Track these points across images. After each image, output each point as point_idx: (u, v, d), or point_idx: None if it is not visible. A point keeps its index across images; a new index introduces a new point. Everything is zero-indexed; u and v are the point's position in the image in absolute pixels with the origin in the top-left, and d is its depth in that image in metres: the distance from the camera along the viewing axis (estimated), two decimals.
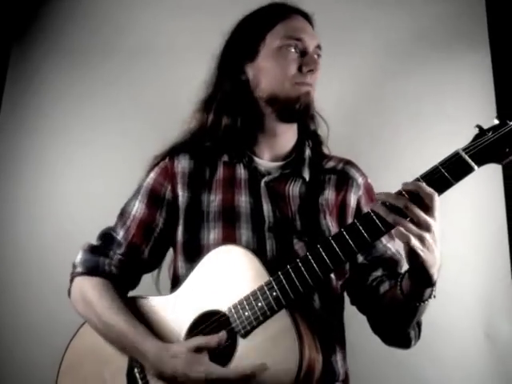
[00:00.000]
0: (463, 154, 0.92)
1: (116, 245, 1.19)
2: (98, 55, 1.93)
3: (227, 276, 1.05)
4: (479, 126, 0.98)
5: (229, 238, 1.12)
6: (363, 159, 1.32)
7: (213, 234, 1.14)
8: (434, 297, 0.99)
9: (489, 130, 0.95)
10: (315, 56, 1.19)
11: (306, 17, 1.24)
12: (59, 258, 1.55)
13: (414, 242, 0.88)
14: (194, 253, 1.14)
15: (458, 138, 0.97)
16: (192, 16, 1.93)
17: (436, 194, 0.89)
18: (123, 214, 1.23)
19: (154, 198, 1.20)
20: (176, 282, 1.17)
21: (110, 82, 1.88)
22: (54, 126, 1.93)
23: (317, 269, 0.97)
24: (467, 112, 1.63)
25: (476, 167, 0.91)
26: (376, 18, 1.84)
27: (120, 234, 1.20)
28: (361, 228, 0.94)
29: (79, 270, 1.17)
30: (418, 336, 1.13)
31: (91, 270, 1.16)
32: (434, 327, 1.53)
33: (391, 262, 1.19)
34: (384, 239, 1.19)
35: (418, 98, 1.51)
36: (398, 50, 1.81)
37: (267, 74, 1.19)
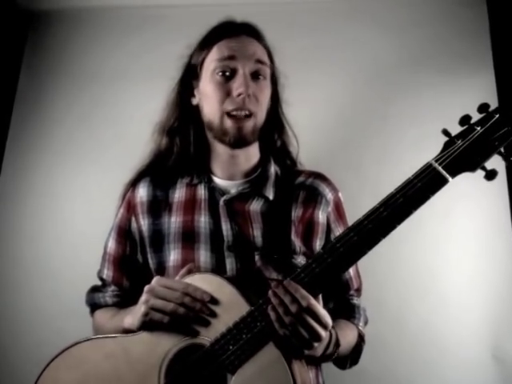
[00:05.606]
0: (436, 165, 0.91)
1: (107, 283, 1.25)
2: (104, 79, 1.95)
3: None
4: (446, 132, 0.97)
5: (187, 259, 1.11)
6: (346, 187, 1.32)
7: (173, 255, 1.15)
8: (339, 346, 1.05)
9: (457, 136, 0.95)
10: (246, 76, 1.13)
11: (251, 33, 1.19)
12: (66, 277, 1.71)
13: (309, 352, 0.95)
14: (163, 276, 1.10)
15: None
16: None
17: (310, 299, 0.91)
18: (104, 252, 1.28)
19: (123, 233, 1.24)
20: None
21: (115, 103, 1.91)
22: (62, 145, 1.92)
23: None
24: None
25: (450, 178, 0.90)
26: (371, 41, 1.82)
27: (105, 273, 1.25)
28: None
29: (88, 309, 1.28)
30: (355, 362, 1.19)
31: (92, 307, 1.27)
32: (440, 349, 1.59)
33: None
34: None
35: (420, 123, 1.43)
36: (395, 73, 1.79)
37: (206, 100, 1.18)
